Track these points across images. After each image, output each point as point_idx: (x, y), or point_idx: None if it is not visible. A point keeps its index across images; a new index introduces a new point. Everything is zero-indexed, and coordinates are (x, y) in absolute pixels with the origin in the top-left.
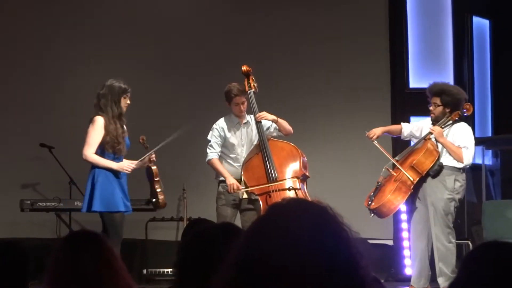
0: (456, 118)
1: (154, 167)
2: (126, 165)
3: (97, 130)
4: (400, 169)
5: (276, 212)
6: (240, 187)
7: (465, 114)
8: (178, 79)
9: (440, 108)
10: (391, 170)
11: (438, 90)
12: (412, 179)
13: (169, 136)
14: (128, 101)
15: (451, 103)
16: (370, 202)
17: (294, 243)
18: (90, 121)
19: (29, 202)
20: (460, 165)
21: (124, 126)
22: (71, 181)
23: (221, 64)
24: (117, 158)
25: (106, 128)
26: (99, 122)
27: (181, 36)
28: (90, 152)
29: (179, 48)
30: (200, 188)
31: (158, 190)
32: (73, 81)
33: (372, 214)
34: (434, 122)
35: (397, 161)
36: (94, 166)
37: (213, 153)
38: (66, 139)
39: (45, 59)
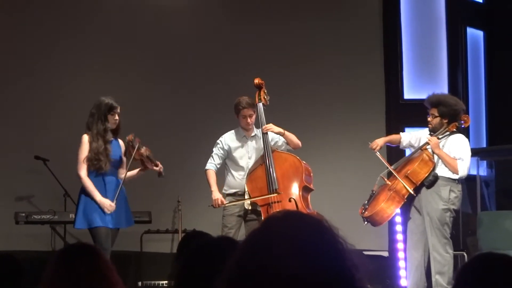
0: (453, 130)
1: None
2: (107, 205)
3: (83, 148)
4: (396, 178)
5: (270, 225)
6: (225, 202)
7: (462, 126)
8: (178, 92)
9: (437, 119)
10: (386, 179)
11: (436, 101)
12: (407, 188)
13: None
14: (116, 117)
15: (448, 114)
16: (364, 210)
17: (288, 256)
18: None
19: (23, 214)
20: (456, 176)
21: (120, 142)
22: (65, 193)
23: (222, 77)
24: (99, 176)
25: (90, 145)
26: (84, 139)
27: (183, 49)
28: (82, 171)
29: (181, 62)
30: (195, 200)
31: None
32: (69, 94)
33: (366, 222)
34: (432, 132)
35: (394, 170)
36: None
37: (211, 164)
38: (61, 151)
39: (40, 71)
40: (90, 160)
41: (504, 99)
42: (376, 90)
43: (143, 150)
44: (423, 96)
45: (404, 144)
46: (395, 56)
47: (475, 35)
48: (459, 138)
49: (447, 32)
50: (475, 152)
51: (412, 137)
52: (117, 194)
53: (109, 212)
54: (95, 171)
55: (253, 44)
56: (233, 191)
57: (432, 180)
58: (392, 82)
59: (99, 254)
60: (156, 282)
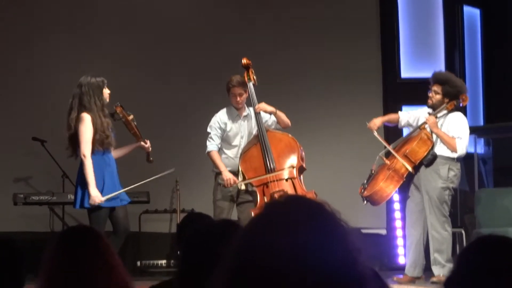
0: (451, 108)
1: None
2: (96, 195)
3: (87, 127)
4: (394, 158)
5: (273, 210)
6: (237, 181)
7: (460, 105)
8: (175, 72)
9: (439, 97)
10: (384, 159)
11: (444, 79)
12: (407, 167)
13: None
14: (108, 91)
15: (452, 95)
16: (363, 190)
17: (291, 241)
18: (76, 119)
19: (22, 196)
20: (454, 155)
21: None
22: (64, 174)
23: (217, 60)
24: (106, 153)
25: (94, 124)
26: (87, 118)
27: (179, 34)
28: (88, 151)
29: (177, 48)
30: (193, 180)
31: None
32: (66, 75)
33: (365, 202)
34: (430, 109)
35: (393, 149)
36: (81, 162)
37: (212, 145)
38: (59, 132)
39: (37, 53)
40: (99, 139)
41: (501, 77)
42: (373, 70)
43: (131, 116)
44: (420, 75)
45: (402, 124)
46: (392, 35)
47: (471, 14)
48: (458, 116)
49: (444, 10)
50: (472, 130)
51: (411, 116)
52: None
53: (93, 204)
54: (103, 150)
55: (247, 23)
56: (228, 169)
57: (431, 159)
58: (389, 61)
59: (100, 237)
60: (155, 262)
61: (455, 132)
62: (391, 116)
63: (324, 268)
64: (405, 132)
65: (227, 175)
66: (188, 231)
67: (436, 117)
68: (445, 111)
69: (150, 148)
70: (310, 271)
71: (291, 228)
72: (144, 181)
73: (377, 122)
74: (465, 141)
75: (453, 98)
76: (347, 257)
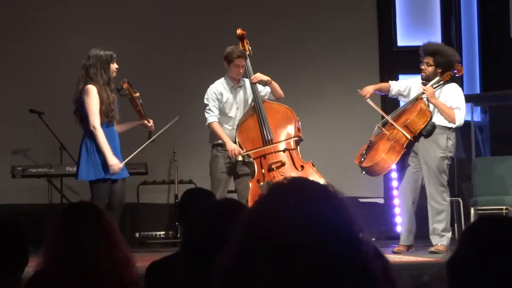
0: (448, 79)
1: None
2: (115, 163)
3: (94, 99)
4: (394, 127)
5: (278, 193)
6: (241, 151)
7: (456, 75)
8: (172, 44)
9: (432, 68)
10: (383, 129)
11: (433, 50)
12: (407, 136)
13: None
14: (116, 66)
15: (444, 64)
16: (362, 160)
17: (296, 223)
18: (82, 91)
19: (20, 168)
20: (452, 125)
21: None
22: (61, 146)
23: (211, 27)
24: (110, 126)
25: (100, 96)
26: (93, 90)
27: (175, 6)
28: (97, 122)
29: (170, 13)
30: (191, 151)
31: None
32: (63, 47)
33: (364, 172)
34: (425, 81)
35: (391, 119)
36: (85, 132)
37: (212, 117)
38: (56, 104)
39: (34, 24)
40: (105, 111)
41: (498, 45)
42: (369, 38)
43: (138, 94)
44: (416, 43)
45: (393, 93)
46: (387, 3)
47: None
48: (454, 87)
49: None
50: (469, 98)
51: (402, 85)
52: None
53: (113, 173)
54: (107, 123)
55: None
56: (220, 141)
57: (430, 130)
58: (385, 29)
59: (102, 213)
60: (153, 233)
61: (453, 103)
62: (382, 85)
63: (328, 247)
64: (402, 103)
65: (231, 146)
66: (191, 211)
67: (433, 88)
68: (441, 82)
69: (153, 127)
70: (314, 250)
71: (296, 208)
72: (153, 137)
73: (369, 89)
74: (463, 111)
75: (446, 68)
76: (352, 237)
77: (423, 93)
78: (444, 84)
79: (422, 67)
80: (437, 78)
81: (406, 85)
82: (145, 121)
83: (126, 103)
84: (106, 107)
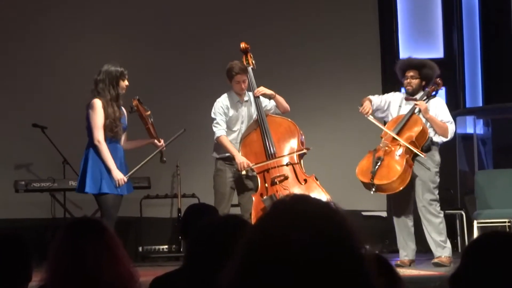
0: (432, 92)
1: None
2: (120, 178)
3: (98, 113)
4: (398, 142)
5: (280, 210)
6: (250, 164)
7: (440, 88)
8: (176, 57)
9: (417, 81)
10: (390, 145)
11: (419, 63)
12: (419, 154)
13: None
14: (127, 83)
15: (430, 77)
16: (372, 177)
17: (299, 240)
18: (88, 105)
19: (23, 183)
20: (444, 139)
21: (123, 108)
22: (64, 161)
23: (215, 39)
24: (113, 142)
25: (105, 111)
26: (98, 104)
27: (177, 12)
28: (101, 135)
29: (176, 25)
30: (194, 164)
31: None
32: (66, 61)
33: (373, 191)
34: (409, 95)
35: (397, 134)
36: (89, 146)
37: (221, 130)
38: (59, 119)
39: (37, 38)
40: (108, 126)
41: (500, 58)
42: (371, 50)
43: (149, 112)
44: (419, 55)
45: (374, 108)
46: (390, 15)
47: None
48: (441, 101)
49: None
50: (471, 111)
51: (382, 100)
52: (133, 171)
53: (118, 186)
54: (110, 138)
55: (249, 6)
56: (226, 154)
57: (429, 145)
58: (388, 41)
59: (106, 229)
60: (156, 247)
61: (444, 117)
62: (363, 100)
63: (332, 263)
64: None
65: (240, 159)
66: (195, 226)
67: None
68: (424, 96)
69: (164, 148)
70: (317, 266)
71: (298, 225)
72: (157, 150)
73: (369, 105)
74: (454, 125)
75: (430, 81)
76: (353, 253)
77: (415, 107)
78: (427, 98)
79: (407, 81)
80: (426, 91)
81: (386, 100)
82: (156, 141)
83: (139, 121)
84: (111, 122)
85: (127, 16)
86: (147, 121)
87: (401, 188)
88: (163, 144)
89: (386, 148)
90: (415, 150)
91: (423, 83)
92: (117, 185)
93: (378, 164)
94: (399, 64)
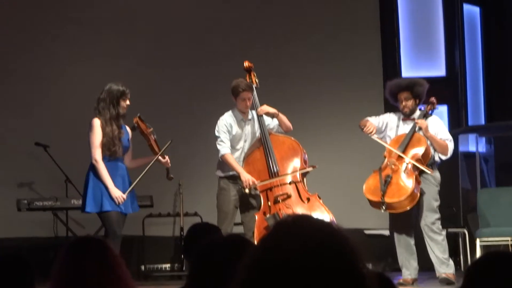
0: (430, 112)
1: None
2: (119, 196)
3: (96, 132)
4: (403, 160)
5: (283, 230)
6: (256, 181)
7: (436, 108)
8: (177, 76)
9: (412, 101)
10: (397, 163)
11: (409, 83)
12: (427, 171)
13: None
14: (128, 102)
15: (422, 94)
16: (382, 194)
17: (301, 260)
18: (89, 124)
19: (25, 201)
20: (442, 158)
21: (127, 127)
22: (67, 179)
23: (217, 59)
24: (113, 161)
25: (103, 129)
26: (96, 123)
27: (179, 32)
28: (99, 155)
29: (177, 44)
30: (196, 183)
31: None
32: (68, 80)
33: (384, 208)
34: (408, 116)
35: (402, 152)
36: (90, 165)
37: (225, 148)
38: (61, 137)
39: (39, 58)
40: (106, 145)
41: (502, 75)
42: (373, 69)
43: (151, 129)
44: (421, 74)
45: None
46: (392, 34)
47: (471, 11)
48: (438, 119)
49: (444, 9)
50: (473, 129)
51: (379, 121)
52: (131, 187)
53: (118, 204)
54: (109, 156)
55: (247, 23)
56: (231, 173)
57: (431, 163)
58: (390, 60)
59: (108, 249)
60: (159, 266)
61: (443, 135)
62: (363, 121)
63: (332, 283)
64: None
65: (246, 176)
66: (197, 246)
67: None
68: (422, 116)
69: (169, 164)
70: (319, 285)
71: (301, 245)
72: (150, 164)
73: (372, 124)
74: (453, 143)
75: (422, 97)
76: (355, 273)
77: (416, 126)
78: (425, 116)
79: (402, 104)
80: (423, 111)
81: (383, 121)
82: (160, 157)
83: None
84: (108, 141)
85: (129, 36)
86: (149, 138)
87: (409, 208)
88: (168, 161)
89: (393, 166)
90: (421, 167)
91: (417, 101)
92: (117, 203)
93: (387, 182)
94: (388, 89)
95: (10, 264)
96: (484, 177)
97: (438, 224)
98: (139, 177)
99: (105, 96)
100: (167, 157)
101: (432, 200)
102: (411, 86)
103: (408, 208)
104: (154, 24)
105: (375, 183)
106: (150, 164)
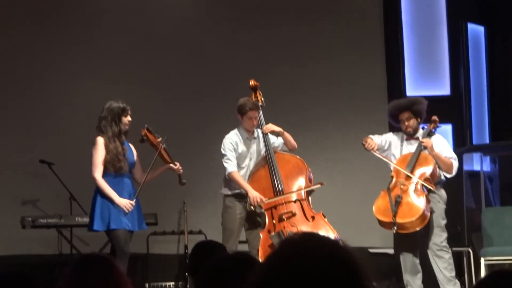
0: (433, 130)
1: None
2: (126, 203)
3: (99, 150)
4: (416, 181)
5: (289, 249)
6: (263, 198)
7: (439, 126)
8: (182, 94)
9: (414, 120)
10: (406, 183)
11: (408, 103)
12: (437, 192)
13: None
14: (129, 118)
15: (422, 111)
16: (394, 216)
17: (306, 278)
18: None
19: (30, 219)
20: (448, 176)
21: (131, 145)
22: (71, 197)
23: (221, 78)
24: (118, 177)
25: (106, 147)
26: (100, 142)
27: (182, 50)
28: (98, 173)
29: (181, 62)
30: (200, 201)
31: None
32: (73, 98)
33: (395, 228)
34: (411, 136)
35: (410, 172)
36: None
37: (232, 166)
38: (66, 155)
39: (44, 75)
40: (110, 161)
41: (506, 94)
42: (378, 88)
43: (160, 139)
44: (425, 93)
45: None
46: (396, 54)
47: (476, 31)
48: (442, 138)
49: (448, 28)
50: (478, 148)
51: (383, 140)
52: (136, 195)
53: (128, 212)
54: (114, 173)
55: (254, 44)
56: (237, 191)
57: (438, 181)
58: (394, 79)
59: (113, 266)
60: (163, 284)
61: (448, 153)
62: (365, 139)
63: None
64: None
65: (253, 193)
66: (203, 264)
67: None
68: (425, 135)
69: (181, 170)
70: None
71: (306, 263)
72: (150, 167)
73: (373, 141)
74: (457, 161)
75: (423, 115)
76: None
77: (421, 145)
78: (428, 134)
79: (405, 124)
80: (426, 130)
81: (386, 140)
82: (171, 165)
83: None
84: (112, 158)
85: (134, 55)
86: (159, 148)
87: (418, 228)
88: (179, 167)
89: (402, 186)
90: (429, 187)
91: (419, 119)
92: (126, 211)
93: (398, 202)
94: (388, 112)
95: (14, 281)
96: (489, 196)
97: (446, 243)
98: (145, 175)
99: (106, 114)
100: (178, 164)
101: (440, 219)
102: (410, 105)
103: (418, 228)
104: (159, 44)
105: (385, 204)
106: (152, 164)
